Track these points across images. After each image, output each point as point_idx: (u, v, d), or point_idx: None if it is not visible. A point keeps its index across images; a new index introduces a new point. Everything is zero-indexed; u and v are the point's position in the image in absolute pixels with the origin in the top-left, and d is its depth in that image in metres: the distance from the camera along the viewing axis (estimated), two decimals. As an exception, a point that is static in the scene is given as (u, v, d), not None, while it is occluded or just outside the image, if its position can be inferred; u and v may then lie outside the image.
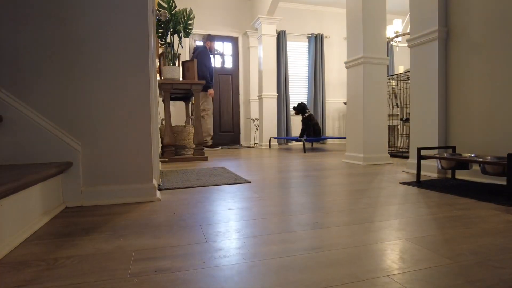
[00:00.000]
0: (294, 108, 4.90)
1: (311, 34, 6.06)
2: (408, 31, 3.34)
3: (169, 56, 3.30)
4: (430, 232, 0.98)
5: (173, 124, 4.84)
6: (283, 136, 5.75)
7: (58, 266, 0.78)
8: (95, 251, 0.87)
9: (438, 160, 1.86)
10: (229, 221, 1.13)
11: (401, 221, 1.10)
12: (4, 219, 0.88)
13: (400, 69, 4.83)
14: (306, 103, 6.23)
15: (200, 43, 5.55)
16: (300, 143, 6.02)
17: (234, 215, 1.21)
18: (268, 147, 5.25)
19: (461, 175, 1.97)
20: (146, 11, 1.48)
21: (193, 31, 5.49)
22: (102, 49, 1.43)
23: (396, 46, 4.83)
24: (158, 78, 3.57)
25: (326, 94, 6.28)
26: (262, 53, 5.18)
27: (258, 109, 5.54)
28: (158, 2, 3.17)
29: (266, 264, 0.77)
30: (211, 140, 4.97)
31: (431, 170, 2.11)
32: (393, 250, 0.84)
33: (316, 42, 6.06)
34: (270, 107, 5.27)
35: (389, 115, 3.90)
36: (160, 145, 3.39)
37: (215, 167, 2.62)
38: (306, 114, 4.79)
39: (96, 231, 1.04)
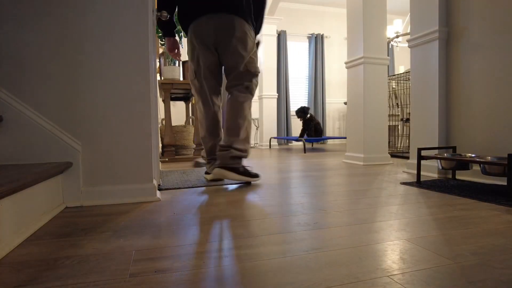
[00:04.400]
0: (297, 112, 4.83)
1: (311, 34, 6.06)
2: (408, 31, 3.34)
3: (169, 56, 3.30)
4: (430, 233, 0.98)
5: (173, 124, 4.84)
6: (283, 136, 5.75)
7: (58, 266, 0.78)
8: (95, 251, 0.87)
9: (438, 160, 1.86)
10: (229, 221, 1.13)
11: (401, 222, 1.10)
12: (4, 219, 0.88)
13: (401, 69, 4.83)
14: (306, 103, 6.23)
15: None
16: (300, 143, 6.02)
17: (234, 215, 1.21)
18: (268, 147, 5.26)
19: (461, 175, 1.97)
20: (146, 11, 1.48)
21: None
22: (102, 49, 1.43)
23: (397, 46, 4.83)
24: (158, 78, 3.58)
25: (326, 94, 6.28)
26: (262, 53, 5.18)
27: (258, 109, 5.54)
28: (159, 2, 3.17)
29: (266, 264, 0.77)
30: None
31: (431, 170, 2.11)
32: (393, 251, 0.84)
33: (317, 42, 6.06)
34: (270, 107, 5.27)
35: (389, 115, 3.90)
36: (160, 145, 3.39)
37: (215, 167, 2.62)
38: (308, 116, 4.80)
39: (96, 231, 1.03)
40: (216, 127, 1.98)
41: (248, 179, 1.86)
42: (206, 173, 2.08)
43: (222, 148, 1.80)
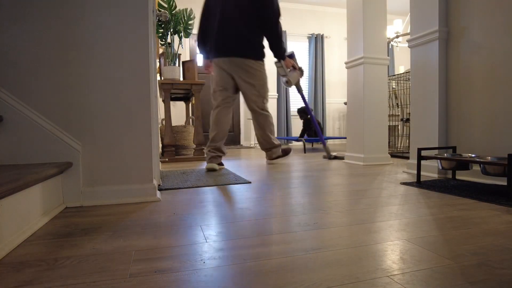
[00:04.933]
0: (298, 111, 4.87)
1: (311, 34, 6.05)
2: (408, 31, 3.34)
3: (170, 56, 3.30)
4: (430, 233, 0.98)
5: (173, 124, 4.84)
6: (283, 136, 5.75)
7: (58, 266, 0.78)
8: (95, 251, 0.87)
9: (438, 160, 1.86)
10: (229, 221, 1.13)
11: (401, 222, 1.10)
12: (4, 219, 0.88)
13: (401, 69, 4.83)
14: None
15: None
16: (301, 143, 6.02)
17: (234, 215, 1.21)
18: (268, 147, 5.24)
19: (461, 175, 1.97)
20: (146, 12, 1.48)
21: (194, 31, 5.49)
22: (102, 49, 1.43)
23: (397, 46, 4.83)
24: (158, 78, 3.58)
25: (326, 94, 6.28)
26: (262, 53, 5.18)
27: (258, 109, 5.53)
28: (158, 2, 3.18)
29: (267, 264, 0.77)
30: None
31: (431, 170, 2.11)
32: (393, 251, 0.84)
33: (317, 42, 6.06)
34: (271, 107, 5.27)
35: (389, 115, 3.90)
36: (160, 145, 3.39)
37: (215, 167, 2.61)
38: (308, 116, 4.80)
39: (96, 231, 1.03)
40: (217, 123, 2.51)
41: (285, 156, 2.89)
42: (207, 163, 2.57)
43: (267, 150, 2.76)
